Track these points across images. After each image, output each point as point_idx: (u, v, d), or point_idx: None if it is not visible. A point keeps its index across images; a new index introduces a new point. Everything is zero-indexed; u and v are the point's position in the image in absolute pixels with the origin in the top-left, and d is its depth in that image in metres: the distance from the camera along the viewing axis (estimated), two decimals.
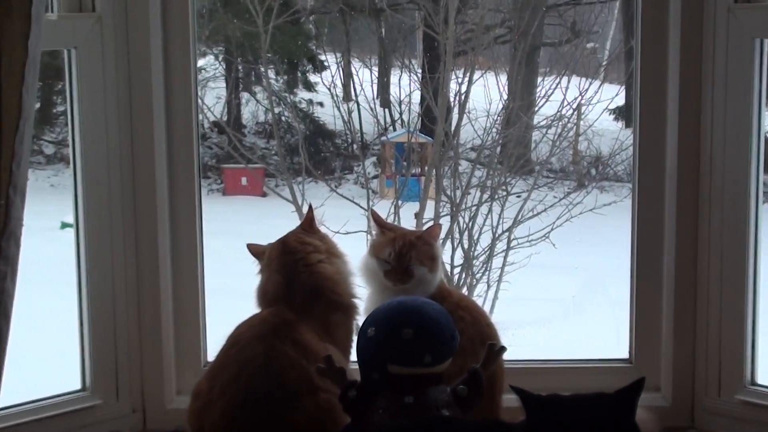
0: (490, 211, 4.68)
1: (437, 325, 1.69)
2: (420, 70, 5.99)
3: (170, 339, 2.25)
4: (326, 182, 6.09)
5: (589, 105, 5.20)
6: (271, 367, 1.79)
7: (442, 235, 2.48)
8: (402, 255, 2.00)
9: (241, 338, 1.87)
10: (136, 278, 2.21)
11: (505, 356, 1.87)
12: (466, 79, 4.80)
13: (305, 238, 2.03)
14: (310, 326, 1.90)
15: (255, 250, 2.08)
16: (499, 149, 5.17)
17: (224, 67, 9.29)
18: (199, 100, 2.39)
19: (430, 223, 4.03)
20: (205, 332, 2.32)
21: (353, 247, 3.66)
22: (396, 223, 4.16)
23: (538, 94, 5.04)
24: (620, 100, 7.12)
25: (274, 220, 8.12)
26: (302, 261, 1.98)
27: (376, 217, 2.14)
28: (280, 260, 1.98)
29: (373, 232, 2.14)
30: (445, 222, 4.43)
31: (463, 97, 4.80)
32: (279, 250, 2.01)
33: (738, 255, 2.15)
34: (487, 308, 4.26)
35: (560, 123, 5.16)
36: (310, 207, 2.13)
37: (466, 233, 4.59)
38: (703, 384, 2.21)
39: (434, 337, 1.67)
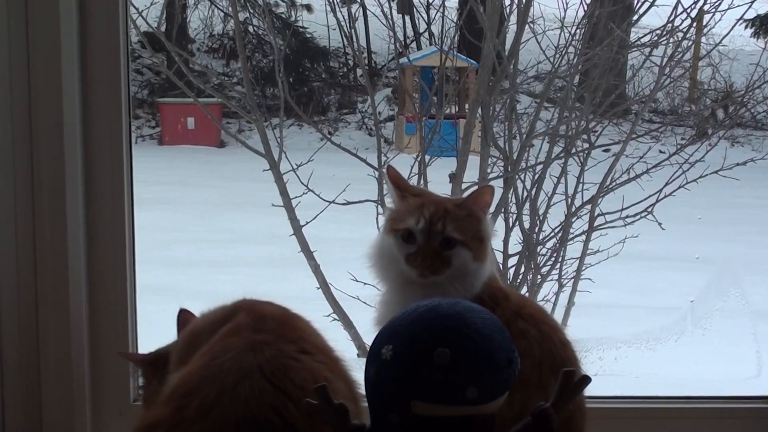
0: (563, 172, 4.66)
1: (487, 342, 1.69)
2: None
3: (84, 363, 2.27)
4: (316, 127, 6.07)
5: (715, 12, 5.17)
6: (288, 377, 1.80)
7: (493, 206, 2.48)
8: (434, 227, 2.00)
9: (225, 348, 1.85)
10: (33, 274, 2.23)
11: (588, 390, 1.88)
12: None
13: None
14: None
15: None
16: (577, 79, 5.16)
17: None
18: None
19: (475, 188, 4.05)
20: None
21: (359, 224, 3.68)
22: (423, 187, 4.17)
23: None
24: (762, 6, 7.09)
25: (236, 183, 8.15)
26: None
27: (394, 177, 2.12)
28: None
29: (389, 202, 2.12)
30: (496, 187, 4.45)
31: None
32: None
33: None
34: (559, 318, 4.27)
35: (671, 40, 5.13)
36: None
37: (528, 205, 4.58)
38: None
39: (482, 360, 1.68)
